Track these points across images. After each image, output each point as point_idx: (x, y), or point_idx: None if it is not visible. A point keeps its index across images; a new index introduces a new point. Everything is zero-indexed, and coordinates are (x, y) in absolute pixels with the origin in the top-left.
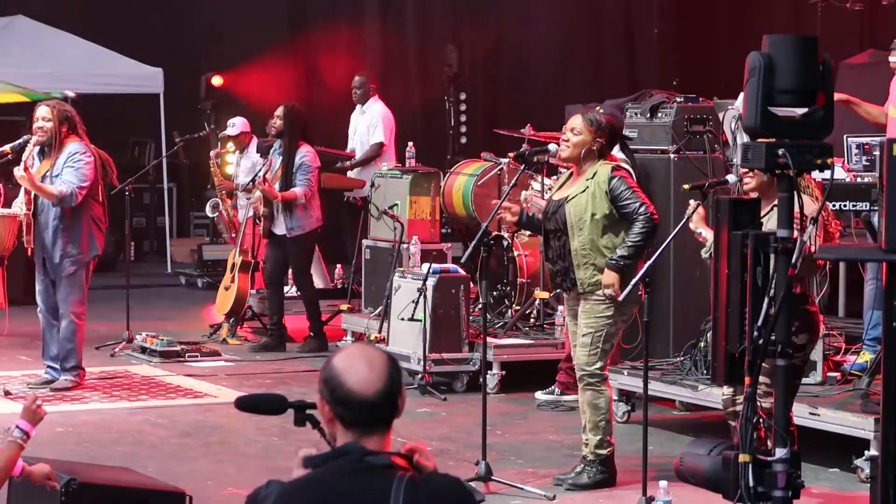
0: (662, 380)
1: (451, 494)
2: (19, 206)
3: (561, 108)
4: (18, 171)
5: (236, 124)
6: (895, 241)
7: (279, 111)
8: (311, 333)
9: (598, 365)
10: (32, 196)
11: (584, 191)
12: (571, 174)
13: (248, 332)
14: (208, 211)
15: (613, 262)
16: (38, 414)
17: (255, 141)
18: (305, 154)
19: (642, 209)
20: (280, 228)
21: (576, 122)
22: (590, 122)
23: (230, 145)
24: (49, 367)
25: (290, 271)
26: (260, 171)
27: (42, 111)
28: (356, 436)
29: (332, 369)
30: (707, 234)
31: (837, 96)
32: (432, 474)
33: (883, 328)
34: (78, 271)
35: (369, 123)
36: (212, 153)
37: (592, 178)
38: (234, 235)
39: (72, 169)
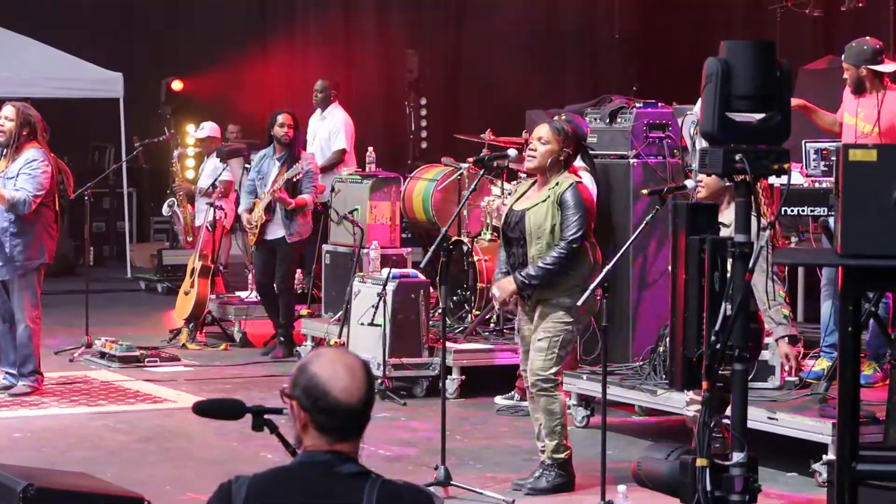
0: (622, 384)
1: (418, 500)
2: None
3: (521, 113)
4: None
5: (206, 128)
6: (851, 246)
7: (287, 119)
8: (282, 339)
9: (553, 370)
10: None
11: (544, 201)
12: (535, 182)
13: (204, 337)
14: (164, 210)
15: (521, 277)
16: None
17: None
18: (310, 161)
19: (569, 233)
20: (275, 233)
21: (543, 130)
22: (557, 131)
23: (189, 150)
24: (7, 372)
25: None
26: (220, 176)
27: (6, 110)
28: (330, 441)
29: (314, 377)
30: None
31: (794, 102)
32: (399, 481)
33: (838, 332)
34: (27, 276)
35: (331, 129)
36: (175, 153)
37: (553, 188)
38: (189, 239)
39: (28, 176)
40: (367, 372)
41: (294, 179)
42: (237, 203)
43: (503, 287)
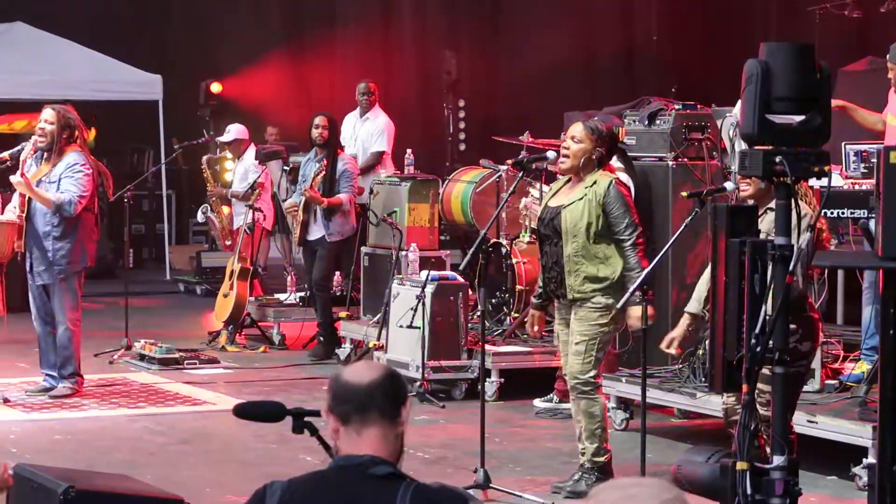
0: (661, 387)
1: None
2: (12, 210)
3: (559, 115)
4: (15, 178)
5: (231, 130)
6: (892, 249)
7: (322, 121)
8: (321, 339)
9: (592, 373)
10: (26, 199)
11: (581, 198)
12: (569, 180)
13: (244, 339)
14: (199, 217)
15: (636, 300)
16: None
17: (252, 148)
18: (348, 161)
19: (628, 233)
20: (316, 234)
21: (576, 129)
22: (591, 130)
23: (227, 153)
24: (47, 374)
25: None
26: (258, 178)
27: (46, 113)
28: (355, 429)
29: (335, 377)
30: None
31: (834, 102)
32: (435, 485)
33: (879, 336)
34: (69, 279)
35: (372, 131)
36: (204, 158)
37: (591, 186)
38: (228, 243)
39: (71, 179)
40: (388, 369)
41: (319, 175)
42: (274, 203)
43: (636, 316)
